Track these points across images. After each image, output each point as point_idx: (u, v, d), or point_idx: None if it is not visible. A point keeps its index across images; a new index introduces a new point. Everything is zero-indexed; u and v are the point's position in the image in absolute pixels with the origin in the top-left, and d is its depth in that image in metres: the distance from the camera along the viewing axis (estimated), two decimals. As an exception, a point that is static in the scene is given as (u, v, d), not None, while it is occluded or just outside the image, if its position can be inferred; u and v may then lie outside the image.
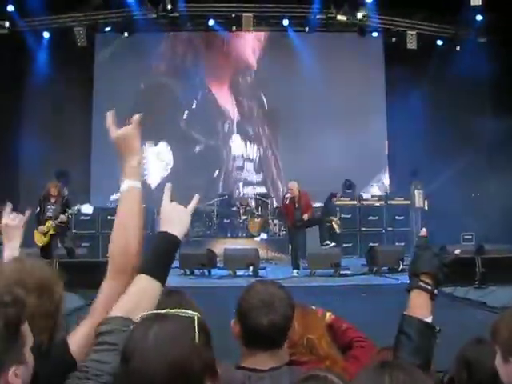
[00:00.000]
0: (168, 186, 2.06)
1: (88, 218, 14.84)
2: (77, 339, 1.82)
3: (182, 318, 1.56)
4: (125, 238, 1.96)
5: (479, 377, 2.25)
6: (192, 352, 1.47)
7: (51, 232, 11.33)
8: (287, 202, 12.91)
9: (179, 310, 1.59)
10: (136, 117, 2.13)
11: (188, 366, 1.45)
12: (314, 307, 2.78)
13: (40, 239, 11.25)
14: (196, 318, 1.55)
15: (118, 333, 1.70)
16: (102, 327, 1.74)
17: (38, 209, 11.45)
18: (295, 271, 12.77)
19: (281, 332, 2.23)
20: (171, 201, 2.02)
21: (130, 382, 1.47)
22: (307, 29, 17.96)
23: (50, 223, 11.36)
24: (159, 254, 1.91)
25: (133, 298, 1.80)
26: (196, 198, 2.07)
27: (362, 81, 18.60)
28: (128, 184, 2.04)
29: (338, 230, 14.15)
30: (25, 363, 1.50)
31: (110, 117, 2.10)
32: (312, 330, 2.56)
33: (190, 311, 1.59)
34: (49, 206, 11.49)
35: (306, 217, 12.75)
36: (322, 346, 2.52)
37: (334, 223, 14.01)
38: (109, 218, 13.34)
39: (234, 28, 17.88)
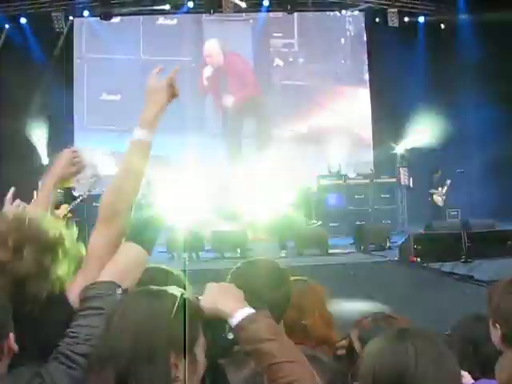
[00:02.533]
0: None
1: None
2: (74, 288, 1.82)
3: (166, 295, 1.58)
4: (121, 189, 1.95)
5: (485, 353, 2.28)
6: (160, 327, 1.50)
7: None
8: None
9: (167, 288, 1.62)
10: (172, 72, 2.15)
11: (152, 339, 1.49)
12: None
13: None
14: (179, 296, 1.57)
15: (104, 297, 1.72)
16: (89, 292, 1.75)
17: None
18: (283, 251, 12.80)
19: (274, 311, 2.22)
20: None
21: (104, 348, 1.51)
22: (289, 7, 17.85)
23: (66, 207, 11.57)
24: (148, 224, 1.94)
25: (121, 264, 1.83)
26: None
27: (345, 59, 18.70)
28: (139, 134, 2.02)
29: (439, 203, 15.18)
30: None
31: (156, 70, 2.14)
32: (308, 314, 2.54)
33: (175, 289, 1.61)
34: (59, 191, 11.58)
35: None
36: (314, 330, 2.50)
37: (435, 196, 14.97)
38: (94, 204, 13.21)
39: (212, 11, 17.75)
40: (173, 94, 2.12)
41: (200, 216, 16.14)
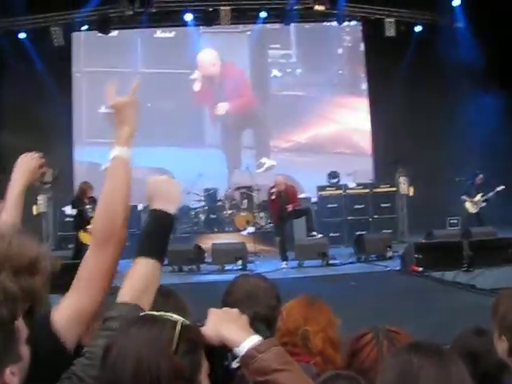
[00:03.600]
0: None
1: (72, 219, 14.72)
2: (61, 311, 1.75)
3: (166, 322, 1.51)
4: (111, 208, 1.90)
5: (484, 369, 2.24)
6: (161, 356, 1.43)
7: None
8: (273, 197, 12.87)
9: (167, 314, 1.55)
10: (133, 85, 2.14)
11: (154, 369, 1.42)
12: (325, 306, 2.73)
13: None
14: (180, 324, 1.49)
15: (124, 319, 1.67)
16: (110, 312, 1.72)
17: (75, 211, 12.14)
18: (284, 263, 12.76)
19: (265, 323, 2.20)
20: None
21: (104, 376, 1.46)
22: (285, 20, 17.90)
23: None
24: (156, 233, 1.88)
25: (137, 282, 1.77)
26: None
27: (343, 69, 18.80)
28: (116, 152, 1.99)
29: (471, 210, 14.94)
30: (21, 360, 1.45)
31: (111, 86, 2.13)
32: (311, 323, 2.52)
33: (176, 316, 1.54)
34: (87, 207, 11.84)
35: (289, 207, 12.72)
36: (315, 341, 2.49)
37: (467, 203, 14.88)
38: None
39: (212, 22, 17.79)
40: (136, 108, 2.10)
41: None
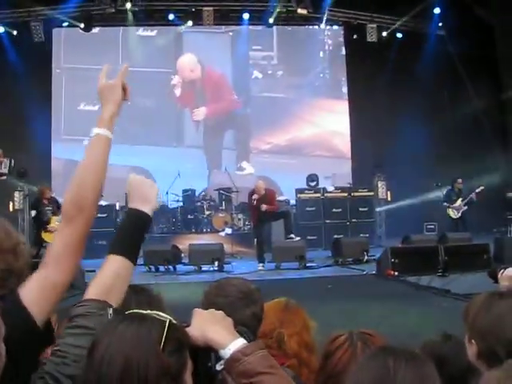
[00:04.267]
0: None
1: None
2: (28, 285, 1.73)
3: (154, 321, 1.50)
4: (83, 183, 1.88)
5: (450, 373, 2.28)
6: (150, 355, 1.42)
7: None
8: (254, 203, 12.80)
9: (154, 312, 1.54)
10: (123, 68, 2.15)
11: (142, 368, 1.41)
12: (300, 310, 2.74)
13: (52, 238, 11.32)
14: (168, 322, 1.49)
15: (95, 316, 1.66)
16: (78, 309, 1.69)
17: (35, 212, 12.66)
18: (260, 265, 12.76)
19: (259, 324, 2.21)
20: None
21: (90, 374, 1.44)
22: (268, 22, 17.93)
23: (55, 220, 12.20)
24: (130, 232, 1.87)
25: (106, 279, 1.76)
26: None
27: (324, 73, 18.91)
28: (97, 131, 1.99)
29: (454, 216, 14.75)
30: None
31: (105, 68, 2.15)
32: (287, 325, 2.53)
33: (163, 314, 1.53)
34: (46, 208, 12.51)
35: (263, 207, 12.65)
36: (290, 344, 2.50)
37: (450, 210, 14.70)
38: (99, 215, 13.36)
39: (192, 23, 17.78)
40: (125, 92, 2.12)
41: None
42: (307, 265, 12.80)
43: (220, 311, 1.73)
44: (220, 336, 1.62)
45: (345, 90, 18.79)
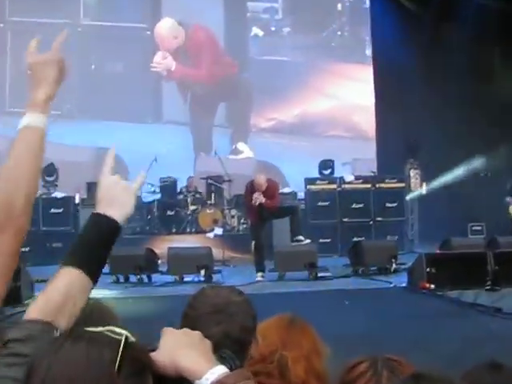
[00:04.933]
0: (111, 151, 2.01)
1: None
2: None
3: (107, 338, 1.50)
4: (9, 188, 1.89)
5: None
6: (101, 379, 1.43)
7: None
8: (256, 203, 12.71)
9: (107, 329, 1.54)
10: (59, 37, 2.15)
11: None
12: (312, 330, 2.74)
13: None
14: (124, 340, 1.49)
15: (34, 341, 1.64)
16: (14, 333, 1.67)
17: None
18: (259, 274, 12.76)
19: (242, 348, 2.19)
20: (113, 173, 1.96)
21: None
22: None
23: None
24: (93, 242, 1.85)
25: (57, 296, 1.74)
26: (141, 175, 2.04)
27: (342, 30, 18.86)
28: (28, 120, 1.99)
29: None
30: None
31: (34, 43, 2.15)
32: (292, 347, 2.53)
33: (119, 330, 1.53)
34: None
35: (257, 199, 12.53)
36: (296, 371, 2.49)
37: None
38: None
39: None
40: (62, 70, 2.12)
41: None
42: (319, 275, 12.81)
43: (197, 332, 1.72)
44: (194, 363, 1.60)
45: (369, 52, 18.78)
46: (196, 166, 18.07)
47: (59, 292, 1.75)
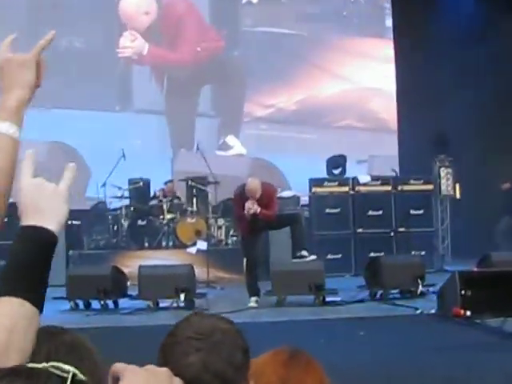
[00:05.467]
0: (29, 153, 2.01)
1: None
2: None
3: (51, 376, 1.50)
4: None
5: None
6: None
7: None
8: (248, 213, 12.68)
9: (52, 364, 1.54)
10: (45, 39, 2.22)
11: None
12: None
13: None
14: (71, 377, 1.50)
15: None
16: None
17: None
18: (253, 299, 12.77)
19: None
20: (34, 176, 1.97)
21: None
22: None
23: None
24: (27, 261, 1.85)
25: None
26: (71, 166, 2.03)
27: (362, 5, 18.89)
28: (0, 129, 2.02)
29: None
30: None
31: (8, 39, 2.21)
32: None
33: (66, 367, 1.54)
34: None
35: (250, 208, 12.53)
36: None
37: None
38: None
39: None
40: (39, 74, 2.17)
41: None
42: (327, 299, 12.83)
43: (164, 369, 1.72)
44: None
45: (389, 23, 18.80)
46: (174, 165, 18.07)
47: (1, 330, 1.76)
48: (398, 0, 18.41)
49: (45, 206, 1.91)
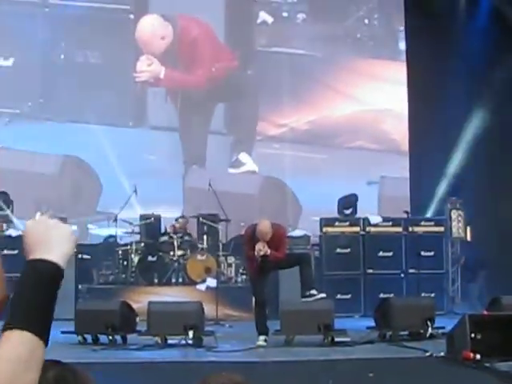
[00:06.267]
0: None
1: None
2: None
3: None
4: None
5: None
6: None
7: None
8: (258, 255, 12.65)
9: None
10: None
11: None
12: None
13: None
14: None
15: None
16: None
17: None
18: (262, 338, 12.71)
19: None
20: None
21: None
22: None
23: None
24: (33, 294, 1.84)
25: (2, 367, 1.74)
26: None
27: (371, 18, 18.88)
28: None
29: None
30: None
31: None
32: None
33: None
34: None
35: (263, 250, 12.48)
36: None
37: None
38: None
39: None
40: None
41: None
42: (336, 340, 12.75)
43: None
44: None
45: (402, 46, 18.82)
46: (185, 182, 18.09)
47: (6, 361, 1.75)
48: (412, 23, 18.40)
49: (49, 240, 1.91)
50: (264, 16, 18.74)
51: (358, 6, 18.93)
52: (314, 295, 13.02)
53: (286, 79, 18.33)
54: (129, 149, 17.29)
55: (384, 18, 19.10)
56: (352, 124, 18.50)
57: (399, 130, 18.65)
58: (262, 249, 12.41)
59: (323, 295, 13.22)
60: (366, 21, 19.00)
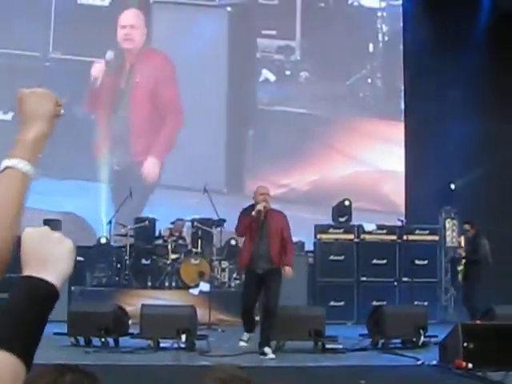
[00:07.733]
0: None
1: None
2: None
3: None
4: None
5: None
6: None
7: None
8: (254, 213, 12.28)
9: None
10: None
11: None
12: None
13: None
14: None
15: None
16: None
17: None
18: (245, 336, 12.71)
19: None
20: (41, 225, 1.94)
21: None
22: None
23: None
24: (23, 314, 1.76)
25: None
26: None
27: (374, 77, 19.04)
28: (7, 164, 1.99)
29: None
30: None
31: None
32: None
33: None
34: None
35: (263, 204, 12.23)
36: None
37: None
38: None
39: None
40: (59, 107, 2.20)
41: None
42: (327, 346, 12.74)
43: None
44: None
45: (403, 104, 18.84)
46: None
47: None
48: (410, 81, 18.44)
49: (50, 256, 1.85)
50: (266, 74, 18.73)
51: (362, 64, 18.93)
52: (266, 354, 12.43)
53: (287, 138, 18.34)
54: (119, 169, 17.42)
55: (386, 78, 19.13)
56: (352, 184, 18.42)
57: (398, 191, 18.70)
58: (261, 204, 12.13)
59: (273, 356, 12.55)
60: (369, 80, 18.98)
